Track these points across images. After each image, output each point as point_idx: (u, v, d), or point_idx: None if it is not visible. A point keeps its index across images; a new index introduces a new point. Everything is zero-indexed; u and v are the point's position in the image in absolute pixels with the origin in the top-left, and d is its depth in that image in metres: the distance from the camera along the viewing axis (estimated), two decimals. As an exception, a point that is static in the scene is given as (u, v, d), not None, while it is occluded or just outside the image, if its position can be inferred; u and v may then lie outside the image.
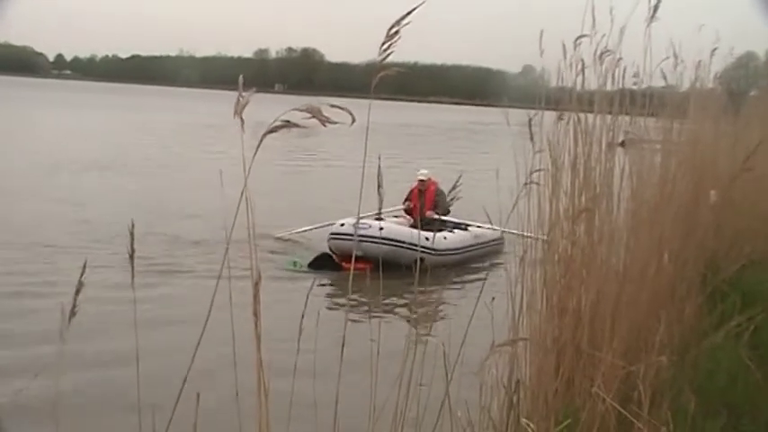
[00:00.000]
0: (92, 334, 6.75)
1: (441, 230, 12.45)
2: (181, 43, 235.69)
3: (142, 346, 2.52)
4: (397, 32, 2.12)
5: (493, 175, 4.42)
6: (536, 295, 4.06)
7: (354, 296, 7.87)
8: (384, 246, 10.66)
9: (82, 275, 2.17)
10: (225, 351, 2.42)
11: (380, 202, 2.64)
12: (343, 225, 11.59)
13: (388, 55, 2.13)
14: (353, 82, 62.35)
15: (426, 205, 12.63)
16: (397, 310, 9.00)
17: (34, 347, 6.67)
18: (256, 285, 2.12)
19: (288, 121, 1.88)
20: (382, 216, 11.80)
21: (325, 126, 1.84)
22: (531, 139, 4.02)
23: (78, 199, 16.34)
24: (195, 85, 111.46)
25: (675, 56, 5.75)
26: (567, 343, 3.97)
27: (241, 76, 2.08)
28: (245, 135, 2.09)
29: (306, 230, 13.19)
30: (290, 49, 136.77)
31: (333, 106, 1.88)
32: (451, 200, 12.20)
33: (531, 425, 3.13)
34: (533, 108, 4.30)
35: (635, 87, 5.09)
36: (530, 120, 4.04)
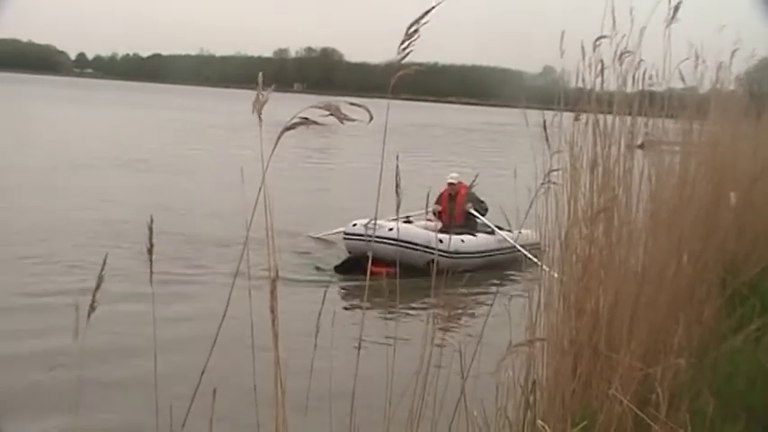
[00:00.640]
0: (110, 329, 6.80)
1: (468, 233, 12.27)
2: (201, 43, 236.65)
3: (160, 342, 2.54)
4: (416, 31, 2.12)
5: (510, 176, 4.42)
6: (553, 295, 4.05)
7: (371, 296, 7.81)
8: (394, 246, 10.53)
9: (102, 270, 2.19)
10: (243, 348, 2.43)
11: (398, 202, 2.63)
12: (355, 225, 11.59)
13: (407, 54, 2.14)
14: (372, 82, 62.40)
15: (456, 209, 12.57)
16: (414, 310, 9.00)
17: (53, 341, 6.73)
18: (274, 282, 2.13)
19: (306, 119, 1.88)
20: (411, 219, 11.71)
21: (342, 123, 1.84)
22: (547, 140, 4.02)
23: (98, 196, 16.45)
24: (215, 84, 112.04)
25: (696, 57, 5.71)
26: (585, 344, 3.95)
27: (260, 74, 2.08)
28: (264, 134, 2.10)
29: (339, 232, 13.09)
30: (309, 49, 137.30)
31: (351, 104, 1.89)
32: (482, 203, 11.98)
33: (547, 426, 3.13)
34: (552, 109, 4.29)
35: (654, 88, 5.06)
36: (544, 121, 4.04)
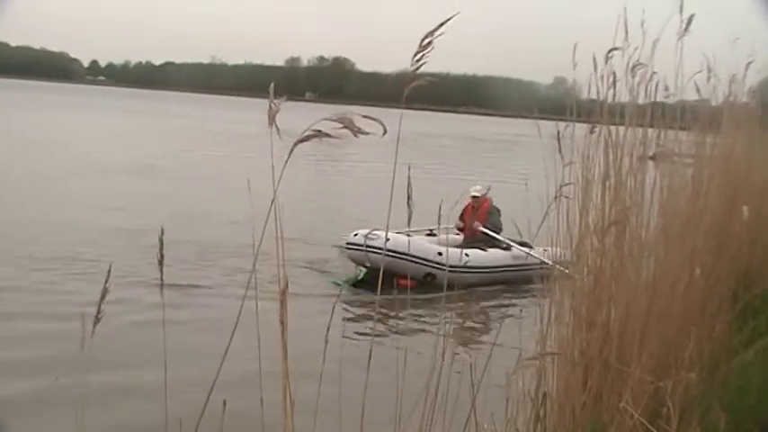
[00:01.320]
0: (118, 340, 6.80)
1: (480, 248, 12.02)
2: (213, 51, 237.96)
3: (170, 353, 2.53)
4: (430, 43, 2.12)
5: (522, 188, 4.41)
6: (564, 308, 4.03)
7: (382, 310, 7.85)
8: (388, 257, 10.17)
9: (107, 281, 2.19)
10: (252, 360, 2.43)
11: (410, 214, 2.63)
12: (356, 235, 11.54)
13: (421, 65, 2.14)
14: (384, 91, 62.54)
15: (479, 222, 12.34)
16: (424, 324, 8.98)
17: (58, 350, 6.73)
18: (283, 293, 2.13)
19: (319, 131, 1.89)
20: (435, 232, 11.46)
21: (357, 137, 1.84)
22: (560, 151, 4.01)
23: (108, 203, 16.52)
24: (227, 93, 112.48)
25: (709, 69, 5.70)
26: (595, 357, 3.93)
27: (272, 84, 2.08)
28: (276, 143, 2.10)
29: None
30: (321, 58, 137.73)
31: (364, 116, 1.89)
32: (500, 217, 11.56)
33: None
34: (564, 120, 4.29)
35: (667, 100, 5.05)
36: (558, 132, 4.04)
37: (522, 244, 11.42)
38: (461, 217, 12.47)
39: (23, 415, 6.03)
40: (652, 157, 4.94)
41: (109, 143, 31.87)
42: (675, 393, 3.60)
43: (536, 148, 4.15)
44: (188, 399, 2.32)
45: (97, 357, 2.37)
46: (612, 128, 4.41)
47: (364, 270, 11.34)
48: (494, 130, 64.59)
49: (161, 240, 2.22)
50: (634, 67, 4.36)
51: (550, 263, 4.29)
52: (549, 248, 4.42)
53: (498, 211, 12.38)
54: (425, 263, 11.13)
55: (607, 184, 4.29)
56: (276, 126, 2.00)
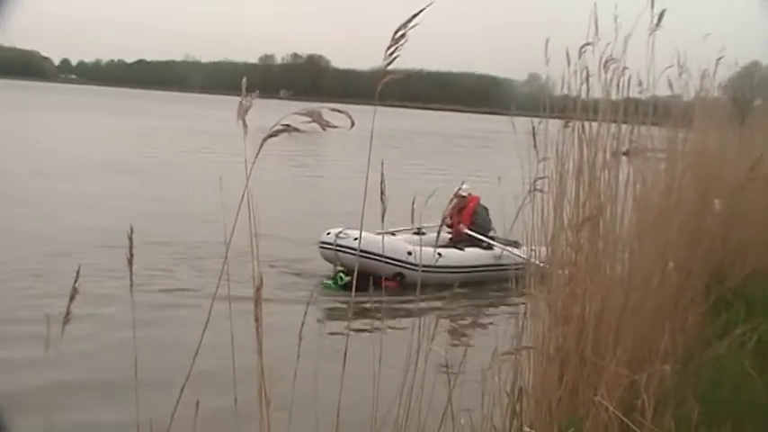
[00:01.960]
0: (89, 339, 6.72)
1: (461, 248, 11.88)
2: (186, 49, 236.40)
3: (141, 354, 2.51)
4: (402, 36, 2.11)
5: (497, 184, 4.42)
6: (540, 304, 4.04)
7: (357, 308, 7.82)
8: (359, 257, 10.19)
9: (76, 282, 2.16)
10: (225, 359, 2.42)
11: (383, 210, 2.62)
12: (328, 234, 11.49)
13: (394, 59, 2.13)
14: (360, 88, 62.37)
15: (463, 222, 12.25)
16: (401, 323, 8.96)
17: (26, 352, 6.62)
18: (258, 290, 2.12)
19: (288, 125, 1.87)
20: (424, 230, 11.25)
21: (324, 130, 1.84)
22: (535, 146, 4.02)
23: (80, 202, 16.35)
24: (200, 90, 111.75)
25: (680, 65, 5.75)
26: (571, 351, 3.95)
27: (244, 80, 2.07)
28: (250, 141, 2.08)
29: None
30: (295, 55, 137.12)
31: (333, 110, 1.88)
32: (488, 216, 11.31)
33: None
34: (538, 116, 4.30)
35: (640, 96, 5.08)
36: (533, 128, 4.05)
37: (512, 243, 10.75)
38: (450, 216, 12.34)
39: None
40: (626, 153, 4.97)
41: (80, 141, 31.55)
42: (650, 386, 3.63)
43: (512, 145, 4.15)
44: (160, 398, 2.29)
45: (66, 358, 2.34)
46: (586, 124, 4.43)
47: (340, 268, 11.27)
48: (469, 127, 64.73)
49: (130, 239, 2.19)
50: (607, 62, 4.37)
51: (526, 258, 4.30)
52: (536, 247, 4.41)
53: (486, 209, 12.27)
54: (395, 263, 11.07)
55: (581, 179, 4.31)
56: (244, 122, 1.98)
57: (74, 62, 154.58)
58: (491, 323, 9.83)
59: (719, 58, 6.57)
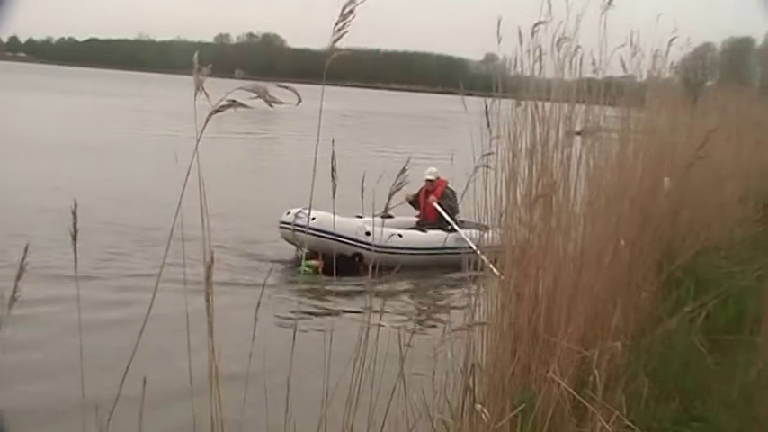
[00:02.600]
0: (35, 319, 6.61)
1: (424, 230, 11.83)
2: (140, 27, 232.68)
3: (87, 331, 2.47)
4: (351, 12, 2.09)
5: (450, 163, 4.42)
6: (493, 281, 4.07)
7: (307, 288, 7.76)
8: (314, 237, 10.27)
9: (23, 260, 2.11)
10: (178, 337, 2.39)
11: (334, 188, 2.62)
12: (288, 214, 11.42)
13: (342, 35, 2.11)
14: (315, 68, 61.75)
15: (429, 206, 12.11)
16: (353, 302, 8.94)
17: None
18: (209, 268, 2.10)
19: (234, 101, 1.85)
20: (392, 214, 11.01)
21: (271, 107, 1.82)
22: (489, 126, 4.03)
23: (30, 183, 16.02)
24: (154, 70, 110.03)
25: (632, 45, 5.80)
26: (524, 328, 3.99)
27: (196, 54, 2.04)
28: (201, 120, 2.05)
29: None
30: (250, 35, 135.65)
31: (279, 86, 1.86)
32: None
33: (486, 410, 3.15)
34: (492, 96, 4.30)
35: (594, 76, 5.12)
36: (486, 108, 4.05)
37: (481, 227, 10.80)
38: (416, 200, 12.25)
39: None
40: (579, 132, 5.01)
41: (32, 122, 30.89)
42: (601, 362, 3.68)
43: (466, 125, 4.15)
44: (107, 377, 2.26)
45: (14, 337, 2.29)
46: (539, 103, 4.45)
47: (304, 250, 11.17)
48: (427, 107, 64.64)
49: (74, 214, 2.15)
50: (559, 41, 4.39)
51: (479, 237, 4.32)
52: (490, 226, 4.42)
53: (454, 192, 12.19)
54: (353, 243, 11.05)
55: (534, 158, 4.33)
56: (196, 96, 1.95)
57: (23, 40, 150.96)
58: (444, 302, 9.93)
59: (672, 39, 6.65)
